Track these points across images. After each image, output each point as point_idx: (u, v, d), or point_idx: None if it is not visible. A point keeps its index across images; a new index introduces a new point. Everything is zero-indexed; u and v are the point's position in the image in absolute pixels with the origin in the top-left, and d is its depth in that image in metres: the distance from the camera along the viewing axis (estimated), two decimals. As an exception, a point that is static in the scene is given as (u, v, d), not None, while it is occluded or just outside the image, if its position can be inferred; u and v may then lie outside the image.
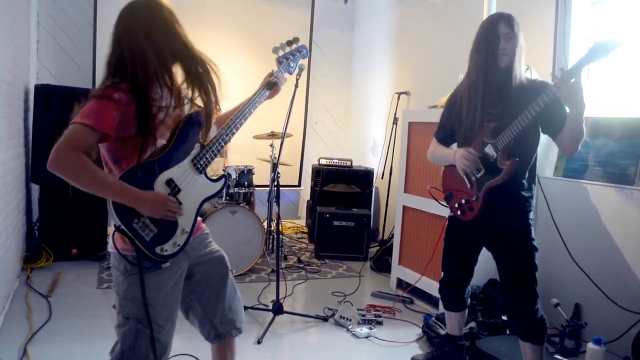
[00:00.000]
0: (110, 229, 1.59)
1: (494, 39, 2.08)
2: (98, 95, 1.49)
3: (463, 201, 2.27)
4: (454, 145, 2.38)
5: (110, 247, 1.63)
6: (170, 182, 1.61)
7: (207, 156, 1.70)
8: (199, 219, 1.80)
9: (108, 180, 1.50)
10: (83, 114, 1.46)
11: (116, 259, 1.63)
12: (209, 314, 1.86)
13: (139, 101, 1.54)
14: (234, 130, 1.78)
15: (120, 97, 1.50)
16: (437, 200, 2.51)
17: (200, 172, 1.69)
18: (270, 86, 1.99)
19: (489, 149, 2.14)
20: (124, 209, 1.52)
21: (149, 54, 1.56)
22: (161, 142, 1.60)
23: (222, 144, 1.74)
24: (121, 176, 1.51)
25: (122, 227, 1.52)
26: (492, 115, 2.15)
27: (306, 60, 6.27)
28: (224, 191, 4.13)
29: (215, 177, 1.77)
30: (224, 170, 4.28)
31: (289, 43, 2.14)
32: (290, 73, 2.14)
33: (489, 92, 2.13)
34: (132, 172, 1.53)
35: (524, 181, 2.17)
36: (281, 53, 2.12)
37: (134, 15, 1.59)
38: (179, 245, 1.63)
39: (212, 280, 1.83)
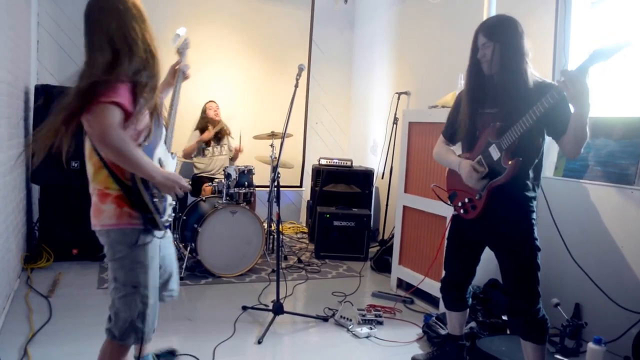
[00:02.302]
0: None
1: (474, 50, 2.21)
2: (112, 79, 1.60)
3: (466, 200, 2.28)
4: (460, 144, 2.39)
5: (107, 224, 1.73)
6: (159, 161, 1.83)
7: (170, 136, 1.99)
8: None
9: (144, 157, 1.67)
10: (109, 94, 1.57)
11: (120, 234, 1.74)
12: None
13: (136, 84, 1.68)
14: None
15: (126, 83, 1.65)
16: (440, 199, 2.52)
17: (168, 151, 1.95)
18: (183, 75, 2.20)
19: (493, 149, 2.14)
20: (149, 189, 1.72)
21: (141, 48, 1.71)
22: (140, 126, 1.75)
23: (172, 126, 2.05)
24: None
25: (151, 205, 1.72)
26: (492, 115, 2.17)
27: (306, 59, 6.29)
28: (225, 191, 4.14)
29: (172, 154, 2.03)
30: (224, 171, 4.28)
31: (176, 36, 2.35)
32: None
33: (482, 94, 2.20)
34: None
35: (528, 182, 2.17)
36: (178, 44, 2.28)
37: (119, 9, 1.71)
38: (171, 216, 1.90)
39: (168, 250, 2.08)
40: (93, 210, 1.78)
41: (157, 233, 1.80)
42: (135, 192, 1.69)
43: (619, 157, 2.92)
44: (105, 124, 1.56)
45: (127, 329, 1.78)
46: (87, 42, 1.73)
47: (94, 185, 1.78)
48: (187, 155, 4.90)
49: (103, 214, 1.74)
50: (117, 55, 1.66)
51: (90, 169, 1.79)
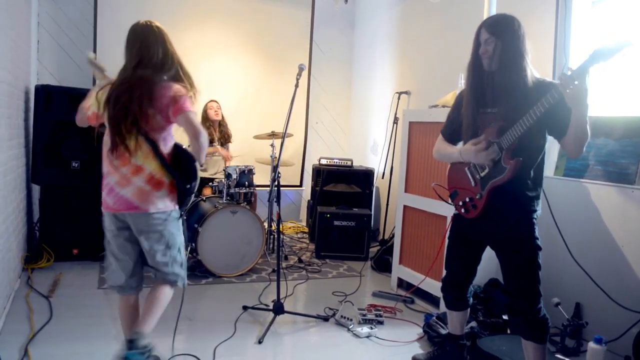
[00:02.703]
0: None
1: (476, 46, 2.20)
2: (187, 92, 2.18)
3: (467, 199, 2.28)
4: (461, 144, 2.39)
5: (164, 208, 2.18)
6: None
7: None
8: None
9: None
10: (191, 105, 2.15)
11: (175, 212, 2.24)
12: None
13: None
14: None
15: None
16: (442, 198, 2.52)
17: None
18: None
19: (494, 148, 2.14)
20: None
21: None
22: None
23: None
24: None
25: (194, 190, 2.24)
26: (492, 115, 2.18)
27: (307, 59, 6.28)
28: (225, 191, 4.14)
29: None
30: (224, 171, 4.29)
31: None
32: None
33: (483, 93, 2.20)
34: None
35: (529, 181, 2.16)
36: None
37: (164, 35, 2.23)
38: None
39: None
40: (143, 196, 2.13)
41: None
42: (194, 180, 2.18)
43: (619, 157, 2.92)
44: (200, 126, 2.13)
45: (183, 276, 2.33)
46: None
47: (147, 172, 2.14)
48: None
49: (158, 200, 2.16)
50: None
51: (139, 158, 2.14)
